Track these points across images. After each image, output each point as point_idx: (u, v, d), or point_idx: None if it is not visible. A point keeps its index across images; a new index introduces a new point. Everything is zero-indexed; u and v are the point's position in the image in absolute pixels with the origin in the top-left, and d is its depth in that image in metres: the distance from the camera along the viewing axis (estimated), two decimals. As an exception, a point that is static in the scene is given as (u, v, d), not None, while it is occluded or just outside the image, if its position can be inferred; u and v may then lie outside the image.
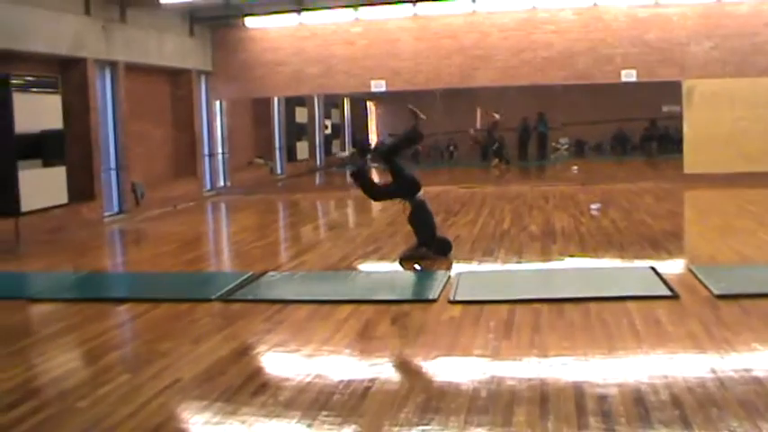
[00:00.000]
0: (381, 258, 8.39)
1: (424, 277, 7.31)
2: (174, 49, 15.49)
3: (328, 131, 25.52)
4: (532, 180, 17.47)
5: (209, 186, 17.20)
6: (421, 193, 8.20)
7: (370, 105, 29.33)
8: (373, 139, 29.22)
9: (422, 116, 8.51)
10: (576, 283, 6.66)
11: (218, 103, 17.67)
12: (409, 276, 7.49)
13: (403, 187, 8.15)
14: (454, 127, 24.76)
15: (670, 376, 4.23)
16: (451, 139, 25.67)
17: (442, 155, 25.79)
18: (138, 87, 14.45)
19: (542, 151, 24.92)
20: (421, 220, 8.11)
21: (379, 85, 16.82)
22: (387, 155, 8.22)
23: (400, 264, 7.88)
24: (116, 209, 13.36)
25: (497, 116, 21.79)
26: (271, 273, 7.57)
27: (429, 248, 8.07)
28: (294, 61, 16.99)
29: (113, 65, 13.40)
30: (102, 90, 13.31)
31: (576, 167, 19.13)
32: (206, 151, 17.13)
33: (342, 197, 15.92)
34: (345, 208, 14.81)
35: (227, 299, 6.54)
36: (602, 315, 5.55)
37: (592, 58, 16.06)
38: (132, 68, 13.96)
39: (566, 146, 25.99)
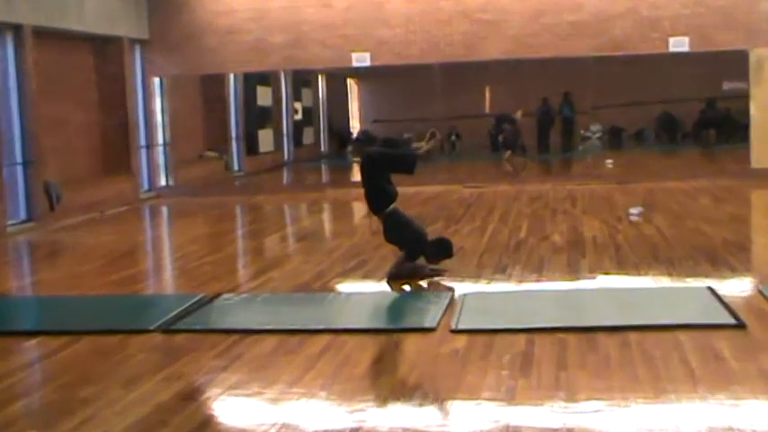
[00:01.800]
0: (366, 276, 8.38)
1: (419, 300, 7.31)
2: (99, 11, 15.43)
3: (298, 117, 25.56)
4: (556, 177, 17.57)
5: (146, 186, 17.16)
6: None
7: (351, 84, 29.36)
8: (355, 126, 29.31)
9: (438, 137, 8.42)
10: (611, 308, 6.68)
11: (157, 80, 17.66)
12: (401, 299, 7.49)
13: (374, 197, 8.08)
14: (457, 111, 24.84)
15: (735, 428, 4.24)
16: (453, 127, 25.73)
17: (442, 147, 25.83)
18: (52, 59, 14.36)
19: (568, 141, 25.03)
20: (400, 229, 8.09)
21: (361, 59, 16.87)
22: (377, 162, 8.15)
23: (388, 284, 7.89)
24: (23, 215, 13.27)
25: (518, 115, 21.90)
26: (226, 295, 7.56)
27: (427, 256, 8.08)
28: (255, 28, 17.01)
29: (16, 30, 13.23)
30: (3, 62, 13.18)
31: (610, 161, 19.25)
32: (142, 142, 17.10)
33: (316, 199, 15.93)
34: (321, 213, 14.81)
35: (169, 329, 6.52)
36: (646, 348, 5.56)
37: (632, 23, 16.17)
38: (43, 35, 13.78)
39: (598, 134, 26.14)
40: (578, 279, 7.88)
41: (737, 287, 7.34)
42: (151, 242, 12.56)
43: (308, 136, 26.46)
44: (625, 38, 16.23)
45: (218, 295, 7.55)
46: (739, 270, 8.06)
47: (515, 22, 16.49)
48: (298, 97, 25.58)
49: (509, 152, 21.58)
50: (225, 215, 14.69)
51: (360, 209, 14.95)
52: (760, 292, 6.95)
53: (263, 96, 22.65)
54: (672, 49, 16.19)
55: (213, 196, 16.80)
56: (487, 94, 26.58)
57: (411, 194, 15.18)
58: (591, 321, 6.19)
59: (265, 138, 22.77)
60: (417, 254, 8.05)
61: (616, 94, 25.43)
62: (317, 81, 27.74)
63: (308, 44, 16.89)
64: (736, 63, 17.46)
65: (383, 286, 7.91)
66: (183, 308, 7.06)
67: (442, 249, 8.13)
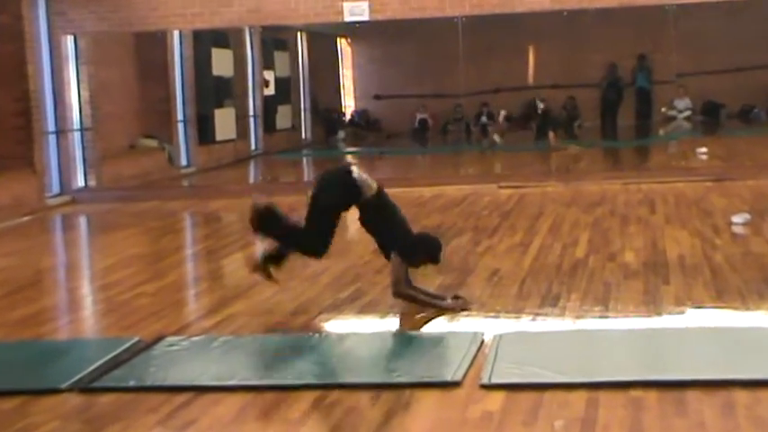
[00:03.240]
0: (364, 311, 8.38)
1: (437, 343, 7.31)
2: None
3: (270, 91, 25.57)
4: (627, 172, 17.52)
5: (56, 188, 17.18)
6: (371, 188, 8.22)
7: (344, 46, 29.40)
8: (349, 104, 29.35)
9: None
10: (707, 355, 6.65)
11: (70, 40, 17.69)
12: (412, 342, 7.49)
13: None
14: (488, 84, 24.88)
15: None
16: (485, 105, 25.77)
17: (469, 132, 25.90)
18: None
19: (644, 122, 25.05)
20: (383, 222, 8.32)
21: (357, 12, 16.88)
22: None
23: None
24: None
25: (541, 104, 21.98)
26: (170, 338, 7.55)
27: (411, 261, 8.21)
28: (208, -32, 17.07)
29: None
30: None
31: (704, 149, 19.22)
32: (50, 126, 17.12)
33: (296, 205, 15.86)
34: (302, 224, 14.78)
35: (89, 387, 6.50)
36: (758, 412, 5.56)
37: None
38: None
39: (686, 112, 26.14)
40: (660, 315, 7.84)
41: None
42: (64, 266, 12.52)
43: (283, 118, 26.47)
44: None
45: (159, 339, 7.53)
46: None
47: (570, -42, 16.53)
48: (269, 65, 25.59)
49: (551, 134, 21.46)
50: (168, 227, 14.67)
51: (354, 222, 14.96)
52: None
53: (221, 63, 22.67)
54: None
55: (152, 201, 16.79)
56: (531, 60, 26.64)
57: (428, 198, 15.26)
58: (678, 374, 6.17)
59: (224, 120, 22.79)
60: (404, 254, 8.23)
61: (712, 56, 25.46)
62: (296, 42, 27.77)
63: (284, -9, 16.92)
64: None
65: (387, 324, 7.90)
66: (109, 357, 7.03)
67: (430, 249, 8.35)
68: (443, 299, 8.28)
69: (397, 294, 8.24)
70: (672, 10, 19.54)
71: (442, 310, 8.07)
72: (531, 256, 10.33)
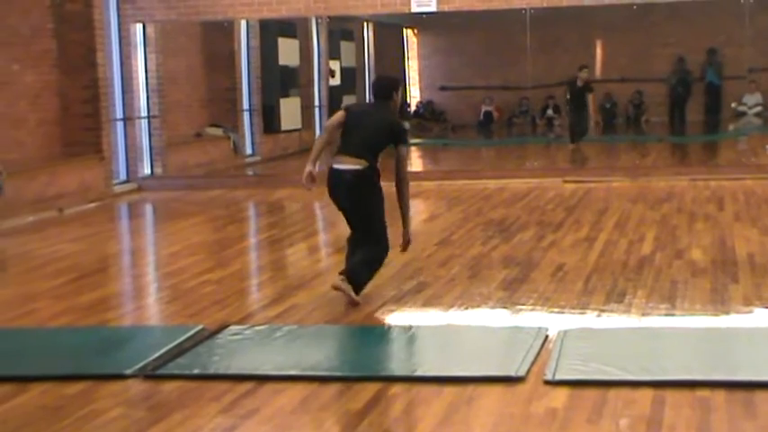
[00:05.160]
0: (427, 303, 8.40)
1: (502, 337, 7.31)
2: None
3: (336, 81, 25.60)
4: (695, 168, 17.36)
5: (123, 175, 17.36)
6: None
7: (410, 37, 29.37)
8: (415, 95, 29.34)
9: None
10: (776, 355, 6.59)
11: (139, 28, 17.84)
12: (475, 336, 7.48)
13: None
14: (555, 77, 24.73)
15: None
16: (550, 99, 25.68)
17: (535, 124, 25.83)
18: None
19: (713, 117, 24.81)
20: None
21: (424, 2, 16.86)
22: None
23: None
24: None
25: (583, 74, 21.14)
26: (234, 327, 7.60)
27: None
28: (276, -43, 17.13)
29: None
30: None
31: (775, 146, 19.03)
32: (118, 113, 17.27)
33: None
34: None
35: (154, 374, 6.56)
36: (829, 413, 5.50)
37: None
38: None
39: (757, 108, 25.84)
40: (728, 314, 7.78)
41: None
42: (130, 253, 12.64)
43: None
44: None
45: (223, 327, 7.59)
46: None
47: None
48: (335, 55, 25.59)
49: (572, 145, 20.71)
50: (233, 216, 14.78)
51: (418, 211, 14.99)
52: None
53: (288, 53, 22.71)
54: None
55: (217, 190, 16.91)
56: (599, 53, 26.46)
57: (492, 190, 15.25)
58: (746, 374, 6.12)
59: (290, 110, 22.85)
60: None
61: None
62: (362, 32, 27.76)
63: (351, -20, 16.94)
64: None
65: (451, 317, 7.90)
66: (173, 345, 7.10)
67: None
68: None
69: None
70: (747, 4, 19.33)
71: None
72: (597, 251, 10.28)
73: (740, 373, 6.17)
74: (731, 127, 24.28)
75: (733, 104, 25.32)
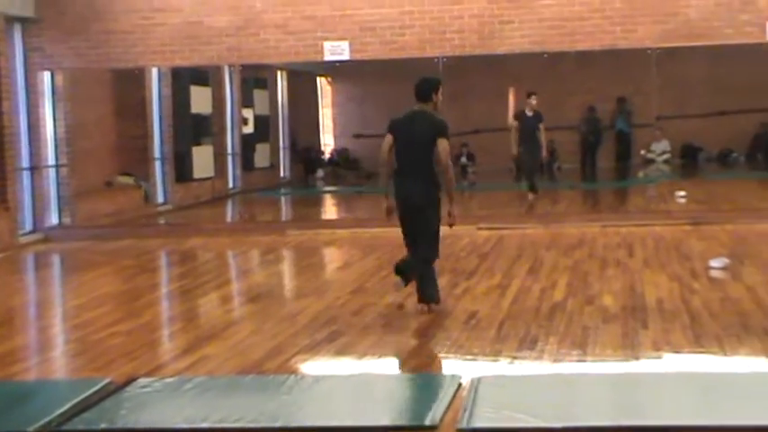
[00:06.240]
0: (341, 352, 8.38)
1: (415, 385, 7.29)
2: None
3: (249, 129, 25.59)
4: (605, 215, 17.55)
5: (29, 225, 17.12)
6: None
7: (323, 85, 29.45)
8: (328, 143, 29.38)
9: None
10: (685, 401, 6.67)
11: (47, 76, 17.70)
12: (389, 385, 7.47)
13: None
14: (469, 124, 24.94)
15: None
16: (465, 146, 25.84)
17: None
18: None
19: (623, 165, 25.16)
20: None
21: (337, 51, 16.95)
22: None
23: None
24: None
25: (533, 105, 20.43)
26: (143, 380, 7.51)
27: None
28: (188, 6, 17.09)
29: None
30: None
31: (682, 193, 19.29)
32: (25, 163, 17.08)
33: (273, 244, 15.92)
34: (279, 264, 14.77)
35: (58, 430, 6.44)
36: (733, 455, 5.56)
37: (714, 2, 16.32)
38: None
39: (665, 155, 26.28)
40: (637, 359, 7.86)
41: None
42: (35, 305, 12.46)
43: (261, 156, 26.45)
44: (703, 22, 16.38)
45: (131, 380, 7.48)
46: None
47: (550, 1, 16.62)
48: (248, 103, 25.62)
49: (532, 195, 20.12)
50: (144, 266, 14.62)
51: (332, 259, 14.96)
52: None
53: (200, 101, 22.66)
54: (772, 37, 16.34)
55: (127, 239, 16.74)
56: (512, 101, 26.69)
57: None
58: (656, 419, 6.18)
59: (202, 158, 22.78)
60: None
61: (691, 100, 25.64)
62: (276, 81, 27.83)
63: (263, 29, 16.98)
64: None
65: (365, 366, 7.89)
66: (79, 399, 6.98)
67: None
68: None
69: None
70: (654, 54, 19.67)
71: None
72: (510, 298, 10.34)
73: (649, 417, 6.22)
74: (641, 174, 24.66)
75: (642, 152, 25.74)
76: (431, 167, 9.62)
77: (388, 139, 9.78)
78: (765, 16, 16.18)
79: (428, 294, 9.59)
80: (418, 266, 9.64)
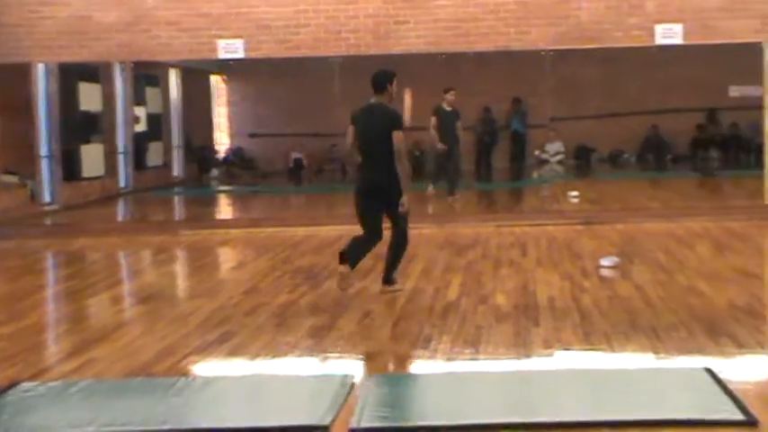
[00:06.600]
0: (233, 353, 8.32)
1: (308, 385, 7.28)
2: None
3: (141, 128, 25.35)
4: (499, 215, 17.70)
5: None
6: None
7: (218, 83, 29.32)
8: (223, 142, 29.24)
9: None
10: (575, 397, 6.75)
11: None
12: (281, 385, 7.44)
13: None
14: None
15: None
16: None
17: (345, 171, 25.97)
18: None
19: (517, 165, 25.40)
20: None
21: (232, 49, 16.87)
22: None
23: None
24: None
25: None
26: (25, 384, 7.37)
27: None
28: (76, 0, 16.86)
29: None
30: None
31: (575, 193, 19.52)
32: None
33: (165, 245, 15.76)
34: (172, 264, 14.64)
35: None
36: (622, 452, 5.62)
37: (604, 5, 16.54)
38: None
39: (558, 156, 26.64)
40: (529, 357, 7.92)
41: (746, 368, 7.48)
42: None
43: (154, 155, 26.25)
44: (595, 25, 16.59)
45: (12, 385, 7.34)
46: (749, 345, 8.17)
47: (444, 3, 16.72)
48: (140, 100, 25.39)
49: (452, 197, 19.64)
50: (29, 267, 14.37)
51: (227, 260, 14.87)
52: (777, 375, 7.11)
53: (89, 98, 22.41)
54: (659, 40, 16.59)
55: (12, 240, 16.42)
56: (407, 101, 26.79)
57: (301, 238, 15.25)
58: (547, 415, 6.23)
59: (92, 157, 22.52)
60: None
61: (584, 102, 26.01)
62: (168, 78, 27.60)
63: (155, 25, 16.83)
64: (747, 61, 17.96)
65: (257, 366, 7.85)
66: (-43, 403, 6.85)
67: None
68: None
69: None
70: (548, 56, 19.87)
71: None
72: (404, 298, 10.37)
73: (540, 414, 6.28)
74: (535, 174, 24.93)
75: (536, 152, 26.04)
76: (389, 157, 10.15)
77: (350, 130, 10.45)
78: (654, 20, 16.45)
79: (388, 276, 10.57)
80: (400, 241, 10.54)
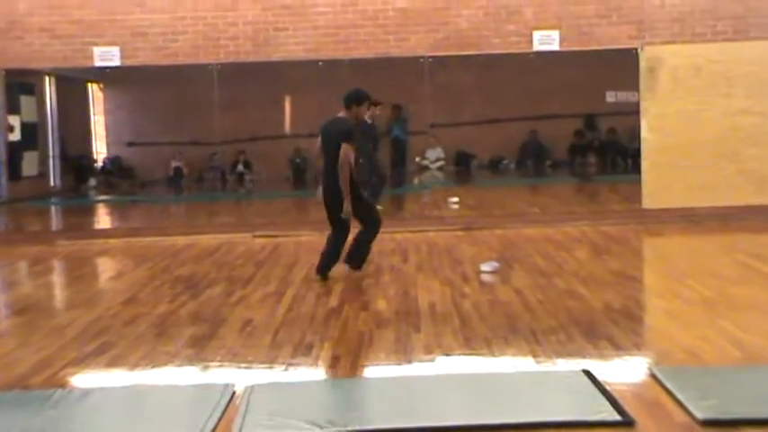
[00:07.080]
0: (111, 364, 8.23)
1: (188, 395, 7.24)
2: None
3: (15, 137, 24.89)
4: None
5: None
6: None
7: (95, 91, 28.94)
8: (101, 151, 28.86)
9: None
10: (455, 401, 6.81)
11: None
12: (162, 394, 7.38)
13: None
14: (245, 132, 24.89)
15: None
16: (241, 153, 25.79)
17: (225, 180, 25.85)
18: None
19: (399, 171, 25.49)
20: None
21: (108, 56, 16.73)
22: None
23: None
24: None
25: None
26: None
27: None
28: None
29: None
30: None
31: (455, 199, 19.67)
32: None
33: (42, 255, 15.51)
34: (48, 275, 14.42)
35: None
36: (502, 454, 5.68)
37: (483, 13, 16.73)
38: None
39: (439, 162, 26.79)
40: (411, 362, 7.96)
41: (623, 370, 7.61)
42: None
43: (29, 164, 25.76)
44: (473, 32, 16.78)
45: None
46: (626, 347, 8.31)
47: (324, 10, 16.76)
48: (14, 109, 24.90)
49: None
50: None
51: (106, 271, 14.68)
52: (653, 376, 7.21)
53: (-39, 107, 21.96)
54: (537, 47, 16.83)
55: None
56: (288, 109, 26.79)
57: (181, 247, 15.13)
58: (428, 419, 6.29)
59: (-36, 167, 22.06)
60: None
61: (464, 108, 26.23)
62: (43, 86, 27.15)
63: (28, 32, 16.61)
64: (624, 67, 18.26)
65: (137, 377, 7.77)
66: None
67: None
68: None
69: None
70: (427, 62, 20.00)
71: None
72: (285, 305, 10.35)
73: (422, 419, 6.32)
74: (415, 181, 25.07)
75: (417, 159, 26.18)
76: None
77: (318, 140, 11.65)
78: (532, 27, 16.68)
79: (355, 263, 11.79)
80: (373, 228, 11.83)
